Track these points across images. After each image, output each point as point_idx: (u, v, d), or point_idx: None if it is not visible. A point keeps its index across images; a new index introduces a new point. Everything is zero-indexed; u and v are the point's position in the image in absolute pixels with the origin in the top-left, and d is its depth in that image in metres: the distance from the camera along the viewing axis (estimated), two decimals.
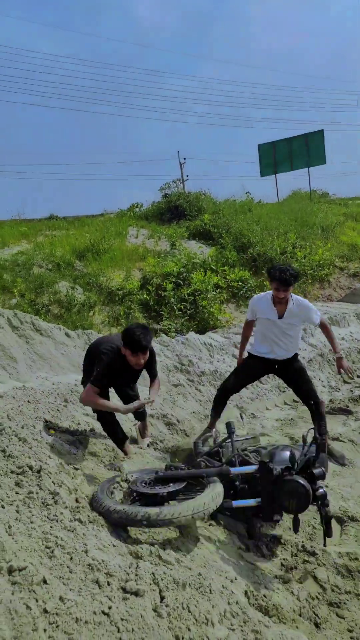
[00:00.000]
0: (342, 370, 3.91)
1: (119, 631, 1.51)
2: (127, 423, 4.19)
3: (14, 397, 3.94)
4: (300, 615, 2.22)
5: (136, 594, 1.71)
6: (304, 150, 17.08)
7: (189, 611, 1.73)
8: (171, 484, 2.58)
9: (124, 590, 1.72)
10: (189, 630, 1.64)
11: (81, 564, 1.79)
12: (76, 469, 2.84)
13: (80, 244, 10.50)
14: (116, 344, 3.21)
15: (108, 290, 9.00)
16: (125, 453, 3.58)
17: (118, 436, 3.54)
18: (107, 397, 3.48)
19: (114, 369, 3.18)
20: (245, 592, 2.19)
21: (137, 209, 15.09)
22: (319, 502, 2.49)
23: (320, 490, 2.44)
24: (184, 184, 25.57)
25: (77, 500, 2.35)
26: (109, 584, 1.73)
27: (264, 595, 2.26)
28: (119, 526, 2.25)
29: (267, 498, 2.47)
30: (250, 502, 2.54)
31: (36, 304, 8.22)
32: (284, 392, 5.77)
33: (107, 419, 3.42)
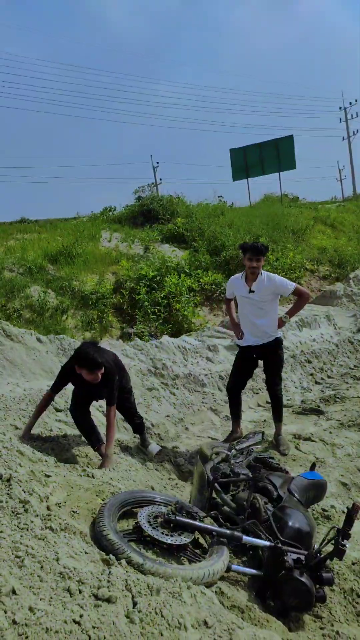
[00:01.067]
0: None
1: (90, 639, 1.49)
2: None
3: None
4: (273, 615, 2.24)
5: (108, 600, 1.70)
6: (274, 155, 17.35)
7: (162, 616, 1.72)
8: (179, 533, 2.36)
9: (96, 597, 1.70)
10: (162, 635, 1.63)
11: (52, 572, 1.76)
12: (48, 476, 2.79)
13: (53, 248, 10.38)
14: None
15: (81, 294, 8.92)
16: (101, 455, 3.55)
17: (94, 437, 3.62)
18: (87, 410, 3.71)
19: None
20: (219, 593, 2.20)
21: (111, 212, 15.03)
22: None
23: (320, 593, 2.34)
24: (157, 187, 25.62)
25: (48, 508, 2.30)
26: (80, 591, 1.71)
27: (237, 597, 2.28)
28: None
29: (268, 580, 2.35)
30: (251, 572, 2.43)
31: (7, 309, 8.08)
32: (257, 394, 5.83)
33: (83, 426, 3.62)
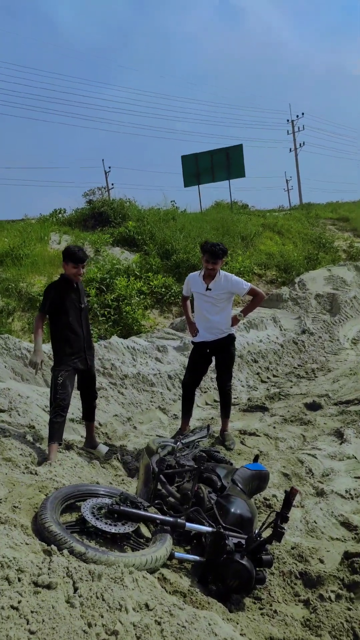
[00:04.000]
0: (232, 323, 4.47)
1: (28, 623, 1.49)
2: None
3: None
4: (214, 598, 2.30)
5: (48, 587, 1.70)
6: (224, 162, 17.74)
7: (103, 599, 1.74)
8: (123, 523, 2.38)
9: (36, 584, 1.70)
10: (102, 617, 1.65)
11: None
12: None
13: None
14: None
15: (28, 295, 8.71)
16: (49, 455, 3.50)
17: (55, 435, 3.59)
18: (72, 382, 3.84)
19: (57, 297, 3.76)
20: (161, 579, 2.24)
21: (60, 215, 14.79)
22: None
23: (260, 575, 2.41)
24: (109, 192, 25.48)
25: None
26: (19, 579, 1.70)
27: (180, 583, 2.33)
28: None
29: (210, 564, 2.40)
30: (194, 558, 2.48)
31: None
32: (205, 392, 5.94)
33: (59, 417, 3.63)
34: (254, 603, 2.48)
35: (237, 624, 2.17)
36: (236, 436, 4.61)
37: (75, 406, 4.74)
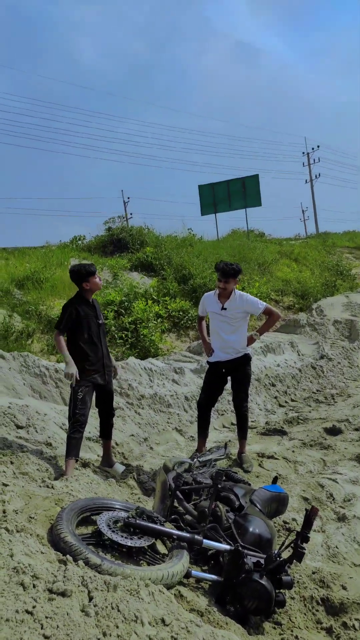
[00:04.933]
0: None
1: (42, 628, 1.45)
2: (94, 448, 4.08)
3: None
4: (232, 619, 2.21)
5: (63, 594, 1.66)
6: (241, 192, 18.02)
7: (119, 610, 1.69)
8: (139, 537, 2.34)
9: (50, 591, 1.66)
10: (117, 627, 1.60)
11: (5, 567, 1.71)
12: (5, 485, 2.72)
13: (20, 273, 10.32)
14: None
15: (48, 318, 8.84)
16: (65, 470, 3.48)
17: (73, 450, 3.57)
18: (91, 398, 3.85)
19: (75, 313, 3.79)
20: (178, 596, 2.17)
21: (80, 242, 15.11)
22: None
23: (280, 597, 2.32)
24: (127, 221, 26.04)
25: (4, 512, 2.25)
26: (34, 586, 1.67)
27: (197, 602, 2.25)
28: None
29: (228, 584, 2.32)
30: (212, 577, 2.41)
31: None
32: (222, 415, 5.86)
33: (77, 433, 3.63)
34: (274, 628, 2.38)
35: None
36: (254, 459, 4.51)
37: (91, 425, 4.72)
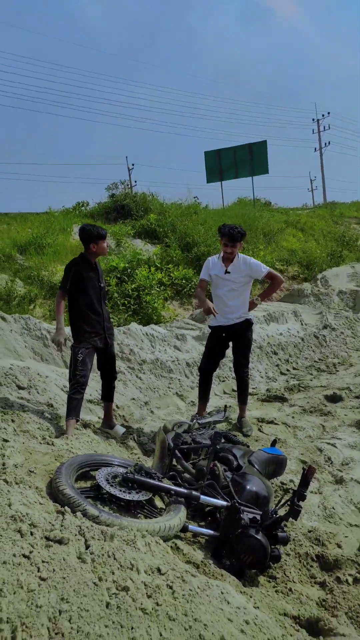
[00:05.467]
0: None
1: (39, 570, 1.47)
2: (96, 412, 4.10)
3: None
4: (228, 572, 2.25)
5: (60, 542, 1.68)
6: (247, 159, 17.61)
7: (115, 558, 1.71)
8: (137, 491, 2.37)
9: (47, 538, 1.68)
10: (113, 573, 1.62)
11: (3, 515, 1.73)
12: (5, 440, 2.74)
13: (22, 238, 10.22)
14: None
15: (50, 284, 8.80)
16: (66, 430, 3.51)
17: (73, 411, 3.59)
18: (91, 360, 3.83)
19: (77, 274, 3.76)
20: (174, 549, 2.21)
21: (83, 208, 14.92)
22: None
23: (275, 552, 2.35)
24: (132, 189, 25.59)
25: (3, 465, 2.27)
26: (32, 533, 1.69)
27: (193, 554, 2.29)
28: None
29: (224, 539, 2.33)
30: (208, 532, 2.43)
31: None
32: (224, 381, 5.88)
33: (77, 393, 3.64)
34: (269, 581, 2.43)
35: (251, 597, 2.12)
36: (254, 423, 4.54)
37: (92, 387, 4.75)
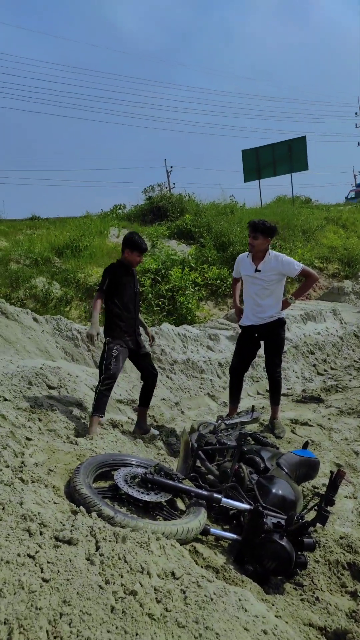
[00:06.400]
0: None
1: (42, 571, 1.44)
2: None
3: None
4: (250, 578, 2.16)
5: (69, 542, 1.65)
6: (286, 156, 17.27)
7: (126, 561, 1.66)
8: (156, 492, 2.31)
9: (57, 539, 1.66)
10: (122, 577, 1.57)
11: (14, 514, 1.72)
12: (29, 439, 2.76)
13: (60, 241, 10.43)
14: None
15: (86, 285, 8.93)
16: (90, 427, 3.52)
17: (100, 408, 3.65)
18: (124, 359, 3.89)
19: (114, 278, 3.88)
20: (193, 552, 2.14)
21: (120, 211, 15.08)
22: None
23: (301, 559, 2.24)
24: (170, 191, 25.68)
25: (22, 463, 2.27)
26: (41, 533, 1.66)
27: (214, 559, 2.21)
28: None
29: (247, 543, 2.23)
30: (231, 536, 2.34)
31: (11, 298, 8.11)
32: (257, 382, 5.75)
33: (107, 389, 3.71)
34: (295, 589, 2.31)
35: (273, 605, 2.02)
36: (287, 425, 4.40)
37: (122, 388, 4.75)
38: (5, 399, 3.63)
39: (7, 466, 2.08)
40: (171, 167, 37.37)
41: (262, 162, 17.43)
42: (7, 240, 11.20)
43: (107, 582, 1.51)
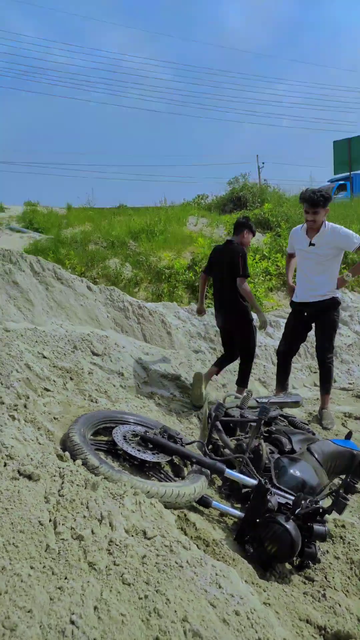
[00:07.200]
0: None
1: None
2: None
3: (22, 335, 3.94)
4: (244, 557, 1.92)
5: (29, 477, 1.55)
6: None
7: (87, 507, 1.53)
8: (155, 453, 2.20)
9: (18, 472, 1.56)
10: (75, 520, 1.44)
11: None
12: (47, 390, 2.73)
13: (137, 226, 10.60)
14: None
15: (156, 269, 8.96)
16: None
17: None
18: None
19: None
20: (183, 519, 1.94)
21: (203, 201, 15.01)
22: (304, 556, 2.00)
23: (311, 549, 1.99)
24: (260, 185, 25.11)
25: (25, 406, 2.22)
26: (5, 464, 1.58)
27: (208, 532, 2.00)
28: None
29: (249, 522, 2.03)
30: (234, 512, 2.13)
31: (85, 276, 8.36)
32: (315, 372, 5.32)
33: (252, 357, 4.23)
34: (304, 583, 2.03)
35: (264, 591, 1.76)
36: (338, 418, 3.99)
37: (169, 364, 4.63)
38: (44, 357, 3.66)
39: (2, 403, 2.03)
40: (263, 163, 36.57)
41: (354, 153, 16.36)
42: (92, 224, 11.64)
43: (51, 521, 1.38)
